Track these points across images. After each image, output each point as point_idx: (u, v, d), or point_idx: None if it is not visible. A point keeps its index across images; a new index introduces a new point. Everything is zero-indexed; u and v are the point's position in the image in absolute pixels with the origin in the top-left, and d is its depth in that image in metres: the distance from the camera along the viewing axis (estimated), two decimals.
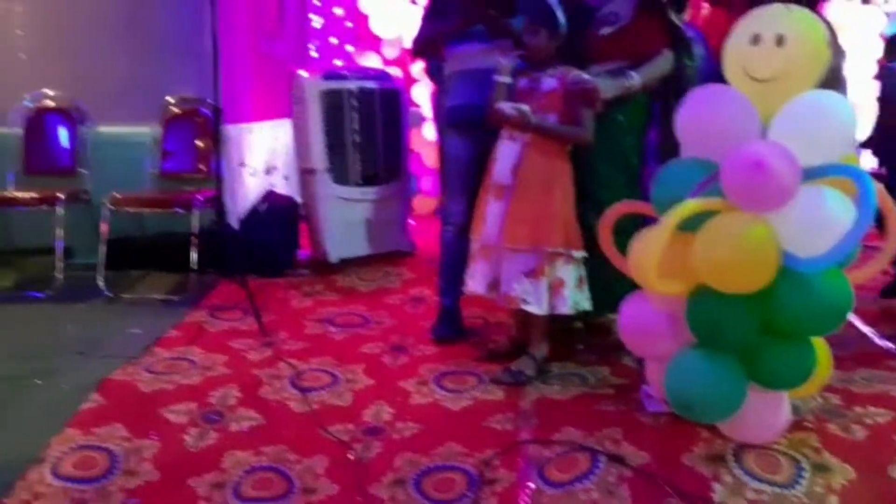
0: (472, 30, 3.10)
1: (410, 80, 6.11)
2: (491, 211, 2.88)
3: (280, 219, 4.52)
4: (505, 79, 2.81)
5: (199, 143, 4.46)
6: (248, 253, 4.21)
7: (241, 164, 4.72)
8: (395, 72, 5.96)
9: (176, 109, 4.54)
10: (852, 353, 3.11)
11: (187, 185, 4.36)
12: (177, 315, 3.65)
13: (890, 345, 3.12)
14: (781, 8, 2.01)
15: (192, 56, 4.09)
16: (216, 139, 3.87)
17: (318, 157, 4.39)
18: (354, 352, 3.25)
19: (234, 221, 4.40)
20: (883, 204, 2.00)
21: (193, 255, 4.04)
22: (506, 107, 2.74)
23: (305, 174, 4.51)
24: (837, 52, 3.65)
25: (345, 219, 4.47)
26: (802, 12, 2.03)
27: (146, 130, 4.49)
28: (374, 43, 6.45)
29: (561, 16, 2.80)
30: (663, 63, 2.86)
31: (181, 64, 4.38)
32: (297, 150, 4.61)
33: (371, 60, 6.34)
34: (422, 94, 5.89)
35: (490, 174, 2.92)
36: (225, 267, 3.98)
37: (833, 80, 3.51)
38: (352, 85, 4.49)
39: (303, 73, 4.59)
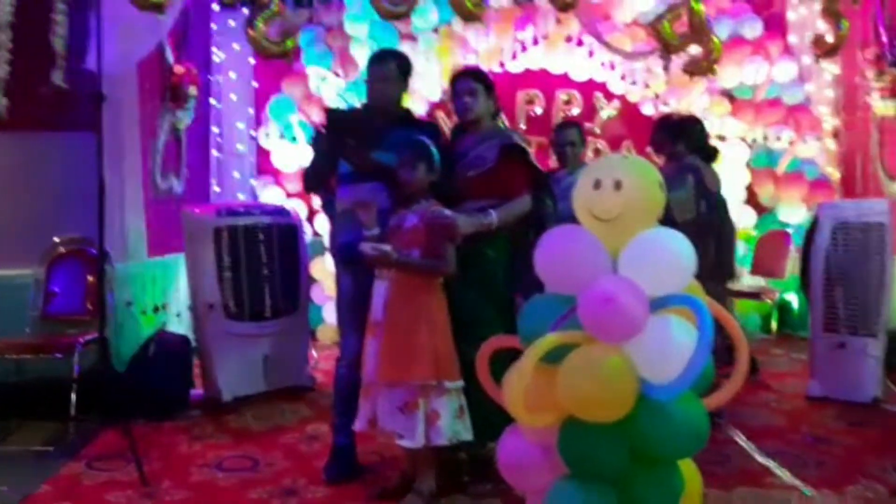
0: (354, 170, 3.28)
1: (314, 211, 6.27)
2: (369, 348, 2.97)
3: (171, 358, 4.44)
4: (372, 233, 2.97)
5: (86, 282, 4.41)
6: (135, 396, 4.10)
7: (129, 304, 4.68)
8: (297, 204, 6.13)
9: (62, 249, 4.51)
10: (732, 470, 3.25)
11: (71, 328, 4.26)
12: (51, 468, 3.49)
13: (770, 462, 3.27)
14: (619, 156, 2.24)
15: (78, 197, 4.11)
16: (102, 279, 3.85)
17: (211, 293, 4.41)
18: (242, 499, 3.16)
19: (119, 364, 4.31)
20: (727, 325, 2.18)
21: (74, 401, 3.91)
22: (367, 248, 2.88)
23: (198, 311, 4.50)
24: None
25: (239, 355, 4.45)
26: (637, 160, 2.26)
27: (29, 272, 4.42)
28: (276, 176, 6.63)
29: (436, 152, 3.02)
30: (522, 205, 3.15)
31: (67, 205, 4.40)
32: (190, 287, 4.61)
33: (273, 193, 6.49)
34: (324, 224, 6.04)
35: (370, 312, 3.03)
36: (108, 412, 3.85)
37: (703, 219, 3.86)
38: (246, 221, 4.59)
39: (195, 210, 4.66)
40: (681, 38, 4.54)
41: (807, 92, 6.66)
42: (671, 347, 2.10)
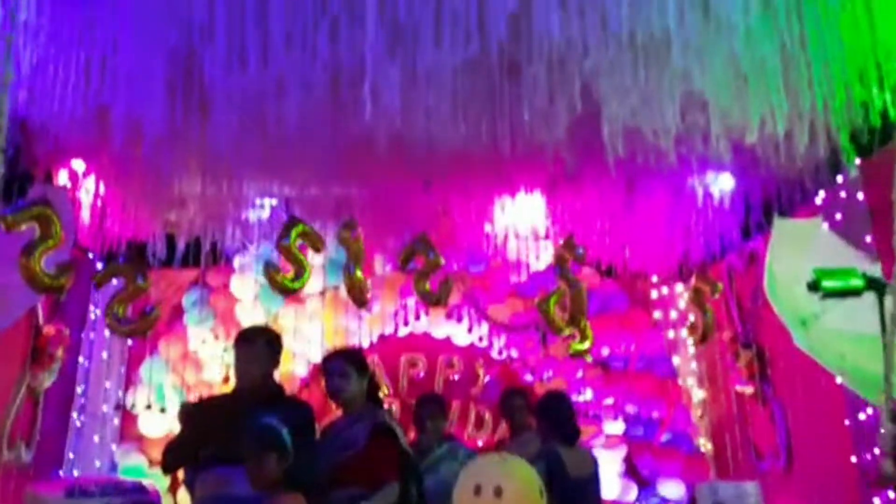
0: (216, 455, 3.18)
1: (177, 482, 5.87)
2: None
3: None
4: None
5: None
6: None
7: None
8: (159, 476, 5.74)
9: None
10: None
11: None
12: None
13: None
14: (498, 459, 2.29)
15: None
16: None
17: None
18: None
19: None
20: None
21: None
22: None
23: None
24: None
25: None
26: (517, 463, 2.31)
27: None
28: (140, 442, 6.27)
29: (287, 437, 2.89)
30: (389, 494, 3.10)
31: None
32: None
33: (135, 460, 6.09)
34: (186, 499, 5.64)
35: None
36: None
37: None
38: (97, 502, 4.24)
39: (41, 490, 4.27)
40: (561, 319, 4.89)
41: (675, 364, 7.13)
42: None
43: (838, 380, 4.02)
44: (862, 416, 4.32)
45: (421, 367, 7.21)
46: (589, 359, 5.79)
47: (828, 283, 3.23)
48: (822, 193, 4.61)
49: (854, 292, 3.19)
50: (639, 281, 7.37)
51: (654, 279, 7.35)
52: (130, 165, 4.53)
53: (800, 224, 3.55)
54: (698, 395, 7.15)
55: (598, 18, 3.16)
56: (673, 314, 7.46)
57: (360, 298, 4.62)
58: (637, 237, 6.18)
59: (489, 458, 2.35)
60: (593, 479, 4.25)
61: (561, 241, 5.12)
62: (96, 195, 5.39)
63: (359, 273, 4.53)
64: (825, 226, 3.55)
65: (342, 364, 3.35)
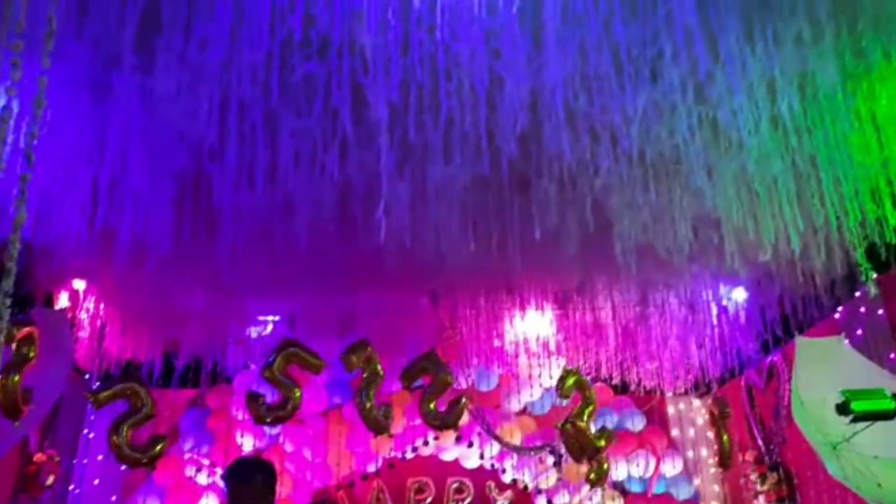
0: None
1: None
2: None
3: None
4: None
5: None
6: None
7: None
8: None
9: None
10: None
11: None
12: None
13: None
14: None
15: None
16: None
17: None
18: None
19: None
20: None
21: None
22: None
23: None
24: None
25: None
26: None
27: None
28: None
29: None
30: None
31: None
32: None
33: None
34: None
35: None
36: None
37: None
38: None
39: None
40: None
41: (695, 486, 6.85)
42: None
43: None
44: None
45: (429, 493, 6.94)
46: (605, 488, 5.59)
47: (858, 406, 3.14)
48: (840, 309, 4.56)
49: (885, 415, 3.09)
50: (654, 397, 7.20)
51: (670, 394, 7.17)
52: (133, 284, 4.50)
53: (822, 343, 3.48)
54: None
55: (608, 137, 3.20)
56: (691, 432, 7.24)
57: (378, 425, 4.42)
58: (651, 351, 6.08)
59: None
60: None
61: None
62: (96, 315, 5.37)
63: (371, 395, 4.39)
64: (847, 343, 3.48)
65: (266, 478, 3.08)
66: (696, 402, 7.33)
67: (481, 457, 6.53)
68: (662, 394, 7.10)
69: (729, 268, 3.82)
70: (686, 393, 7.03)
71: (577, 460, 4.92)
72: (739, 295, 5.63)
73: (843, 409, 3.14)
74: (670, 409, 7.35)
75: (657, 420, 7.15)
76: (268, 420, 4.34)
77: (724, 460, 4.90)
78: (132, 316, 5.38)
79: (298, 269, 4.48)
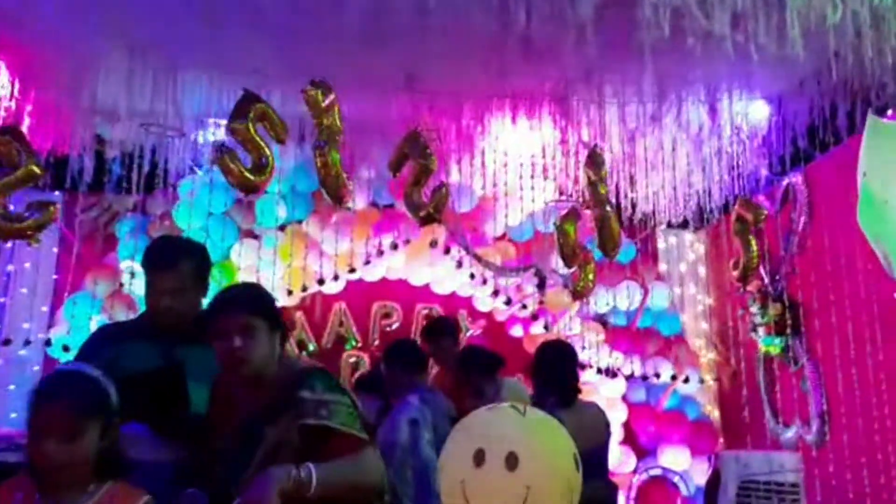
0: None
1: None
2: None
3: None
4: None
5: None
6: None
7: None
8: None
9: None
10: None
11: None
12: None
13: None
14: (513, 414, 1.55)
15: None
16: None
17: None
18: None
19: None
20: None
21: None
22: None
23: None
24: None
25: None
26: (542, 420, 1.58)
27: None
28: None
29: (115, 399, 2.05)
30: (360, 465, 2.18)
31: None
32: None
33: None
34: None
35: None
36: None
37: None
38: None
39: None
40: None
41: (681, 322, 6.48)
42: None
43: None
44: None
45: (396, 318, 6.49)
46: (590, 306, 5.12)
47: None
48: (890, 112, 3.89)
49: None
50: (646, 229, 6.66)
51: (663, 227, 6.64)
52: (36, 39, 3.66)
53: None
54: (707, 357, 6.50)
55: None
56: (682, 266, 6.80)
57: (335, 190, 3.72)
58: (651, 172, 5.45)
59: (499, 411, 1.61)
60: (601, 449, 3.55)
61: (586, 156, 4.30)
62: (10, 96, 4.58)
63: (335, 154, 3.63)
64: None
65: (240, 316, 2.25)
66: (690, 237, 6.87)
67: (459, 265, 5.97)
68: (655, 225, 6.56)
69: (779, 40, 3.08)
70: (681, 226, 6.51)
71: (568, 263, 4.38)
72: (759, 111, 4.95)
73: None
74: (661, 243, 6.89)
75: (647, 252, 6.69)
76: (243, 183, 3.64)
77: (746, 273, 4.39)
78: (50, 96, 4.60)
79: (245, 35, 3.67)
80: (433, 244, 5.72)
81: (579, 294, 4.54)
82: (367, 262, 5.86)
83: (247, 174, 3.67)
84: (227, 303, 2.27)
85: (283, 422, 2.18)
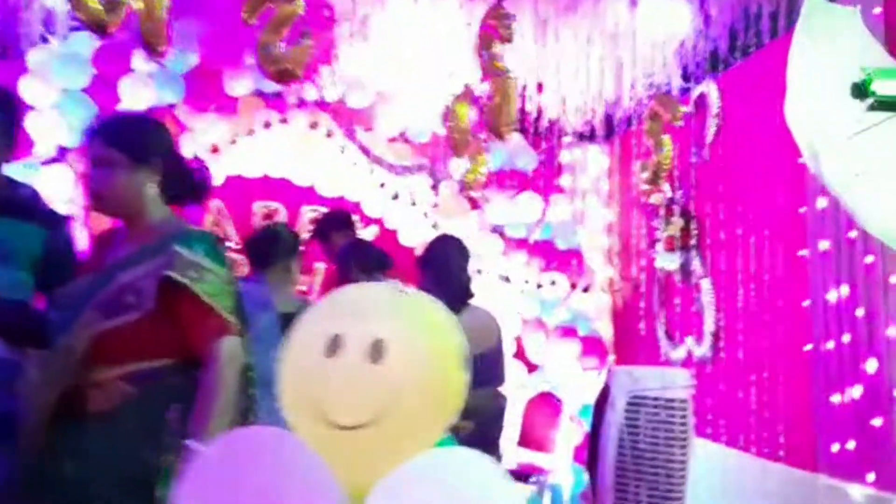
0: None
1: None
2: None
3: None
4: None
5: None
6: None
7: None
8: None
9: None
10: None
11: None
12: None
13: None
14: (387, 291, 1.19)
15: None
16: None
17: None
18: None
19: None
20: None
21: None
22: None
23: None
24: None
25: None
26: (421, 300, 1.23)
27: None
28: None
29: None
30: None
31: None
32: None
33: None
34: None
35: None
36: None
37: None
38: None
39: None
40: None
41: (581, 237, 6.31)
42: None
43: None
44: (832, 296, 3.56)
45: (279, 219, 6.01)
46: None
47: (882, 87, 2.30)
48: None
49: None
50: (551, 139, 6.39)
51: (568, 139, 6.38)
52: None
53: (835, 11, 2.56)
54: (603, 273, 6.38)
55: None
56: (585, 180, 6.58)
57: (153, 37, 3.23)
58: (561, 74, 5.12)
59: (370, 289, 1.24)
60: (493, 355, 3.28)
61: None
62: None
63: None
64: (860, 19, 2.58)
65: (100, 146, 2.00)
66: (595, 149, 6.63)
67: (342, 150, 5.55)
68: (561, 135, 6.29)
69: None
70: (588, 137, 6.26)
71: (458, 152, 4.04)
72: (679, 13, 4.65)
73: (860, 91, 2.29)
74: (566, 155, 6.64)
75: (550, 163, 6.43)
76: (95, 21, 3.12)
77: (657, 176, 4.16)
78: None
79: None
80: (313, 126, 5.26)
81: (469, 186, 4.19)
82: (234, 142, 5.38)
83: (100, 14, 3.12)
84: (88, 132, 2.12)
85: (143, 267, 1.85)
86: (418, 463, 1.08)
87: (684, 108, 4.31)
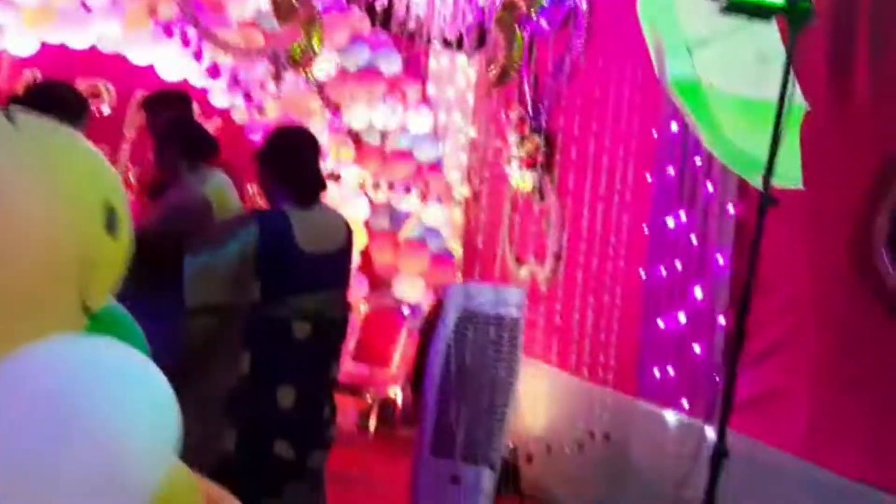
0: None
1: None
2: None
3: None
4: None
5: None
6: None
7: None
8: None
9: None
10: None
11: None
12: None
13: None
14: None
15: None
16: None
17: None
18: None
19: None
20: None
21: None
22: None
23: None
24: None
25: None
26: (51, 132, 0.92)
27: None
28: None
29: None
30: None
31: None
32: None
33: None
34: None
35: None
36: None
37: None
38: None
39: None
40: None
41: (440, 151, 6.06)
42: None
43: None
44: (671, 223, 3.49)
45: (107, 100, 5.42)
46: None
47: None
48: None
49: (767, 10, 2.10)
50: (417, 44, 6.03)
51: (436, 46, 6.04)
52: None
53: None
54: (460, 191, 6.18)
55: None
56: (450, 91, 6.30)
57: None
58: None
59: None
60: (340, 257, 2.93)
61: None
62: None
63: None
64: None
65: None
66: (463, 60, 6.34)
67: (186, 44, 4.98)
68: (429, 40, 5.94)
69: None
70: (456, 45, 5.94)
71: (280, 18, 3.64)
72: None
73: None
74: (432, 63, 6.33)
75: (415, 70, 6.10)
76: None
77: (505, 75, 3.88)
78: None
79: None
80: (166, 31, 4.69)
81: (297, 62, 3.78)
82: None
83: None
84: None
85: None
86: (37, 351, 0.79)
87: (542, 1, 4.03)
